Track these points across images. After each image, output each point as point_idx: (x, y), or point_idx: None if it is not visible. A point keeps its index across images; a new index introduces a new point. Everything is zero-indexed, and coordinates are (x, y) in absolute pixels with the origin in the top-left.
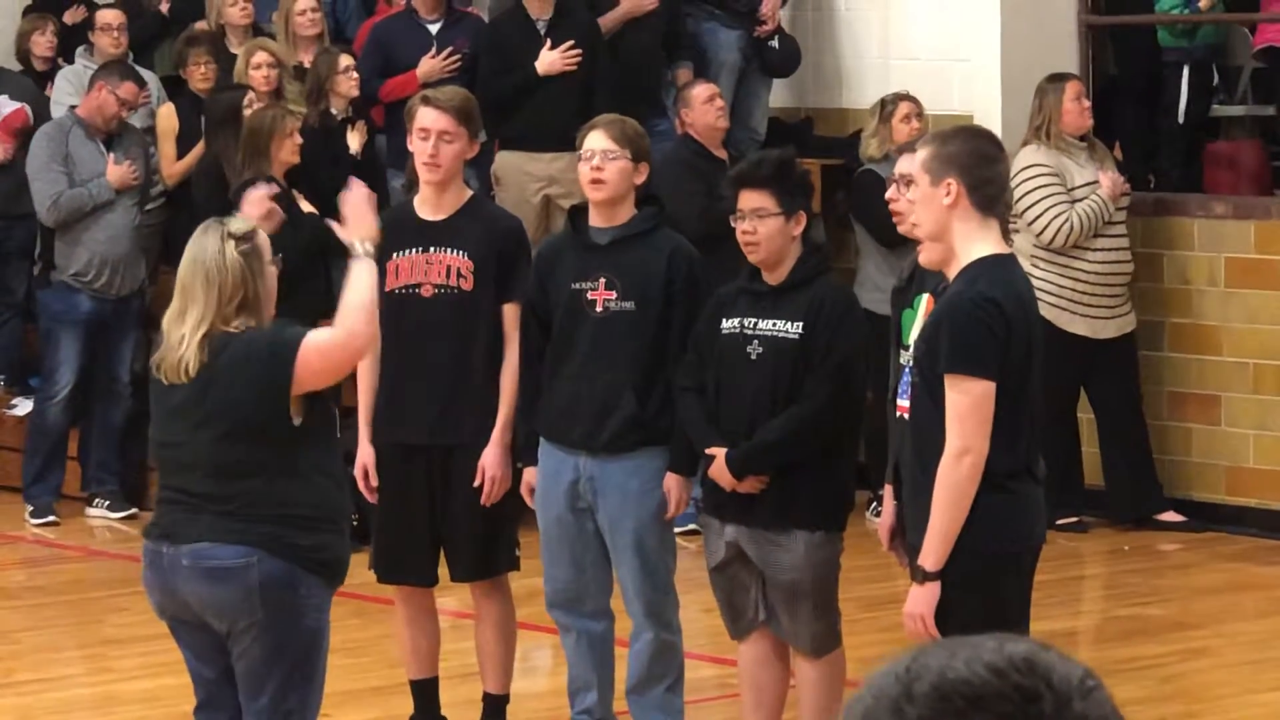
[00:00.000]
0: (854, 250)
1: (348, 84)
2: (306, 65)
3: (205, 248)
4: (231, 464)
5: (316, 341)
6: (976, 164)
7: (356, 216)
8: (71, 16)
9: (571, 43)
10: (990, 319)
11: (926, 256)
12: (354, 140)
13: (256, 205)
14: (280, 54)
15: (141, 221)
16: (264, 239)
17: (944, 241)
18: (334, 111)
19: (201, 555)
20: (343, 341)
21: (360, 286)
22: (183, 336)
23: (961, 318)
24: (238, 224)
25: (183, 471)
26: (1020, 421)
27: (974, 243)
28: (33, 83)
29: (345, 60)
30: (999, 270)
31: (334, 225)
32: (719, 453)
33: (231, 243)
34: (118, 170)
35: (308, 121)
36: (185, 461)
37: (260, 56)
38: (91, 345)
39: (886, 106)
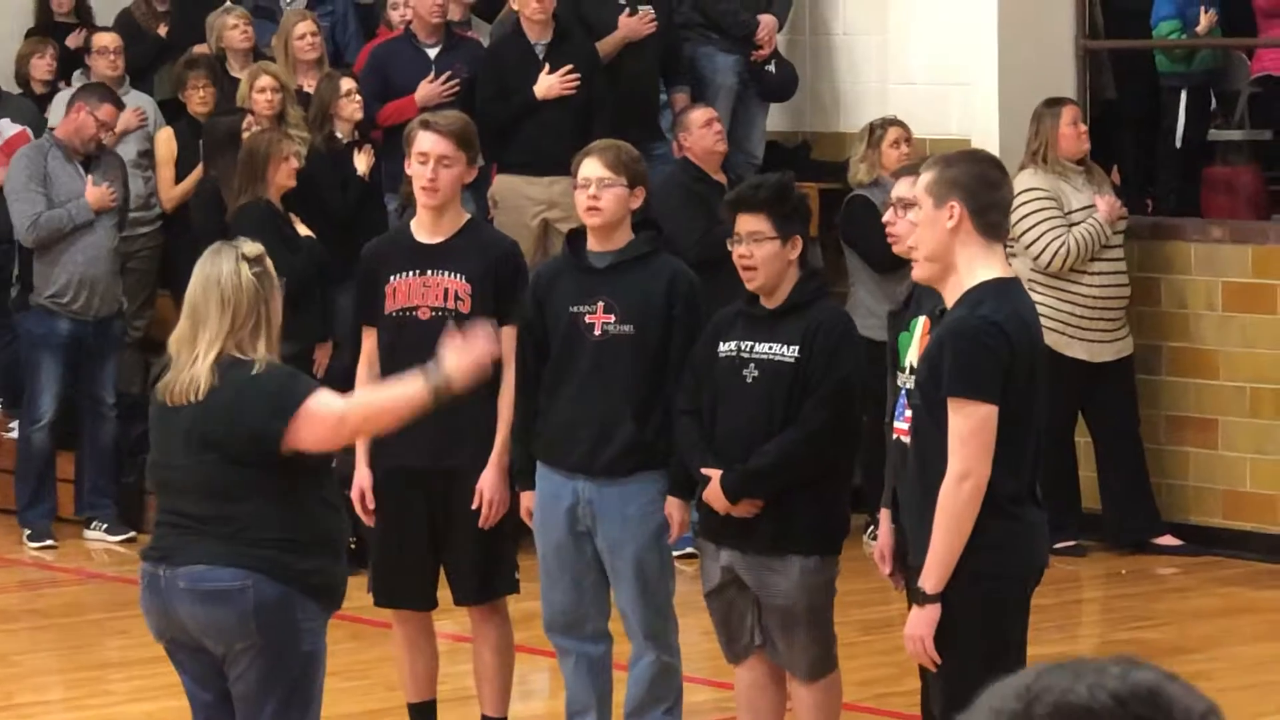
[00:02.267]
0: (847, 275)
1: (351, 108)
2: (306, 89)
3: (220, 269)
4: (229, 487)
5: (317, 409)
6: (980, 188)
7: (464, 361)
8: (75, 40)
9: (570, 67)
10: (993, 343)
11: (920, 272)
12: (361, 163)
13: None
14: (284, 78)
15: (123, 247)
16: (271, 264)
17: (942, 263)
18: (339, 135)
19: (198, 578)
20: (334, 425)
21: (404, 396)
22: (195, 357)
23: (964, 341)
24: (250, 246)
25: (180, 494)
26: (1023, 446)
27: (978, 266)
28: (34, 105)
29: (347, 84)
30: (1003, 294)
31: (448, 352)
32: (714, 476)
33: (246, 264)
34: (96, 191)
35: (314, 146)
36: (183, 484)
37: (264, 80)
38: (73, 368)
39: (875, 131)
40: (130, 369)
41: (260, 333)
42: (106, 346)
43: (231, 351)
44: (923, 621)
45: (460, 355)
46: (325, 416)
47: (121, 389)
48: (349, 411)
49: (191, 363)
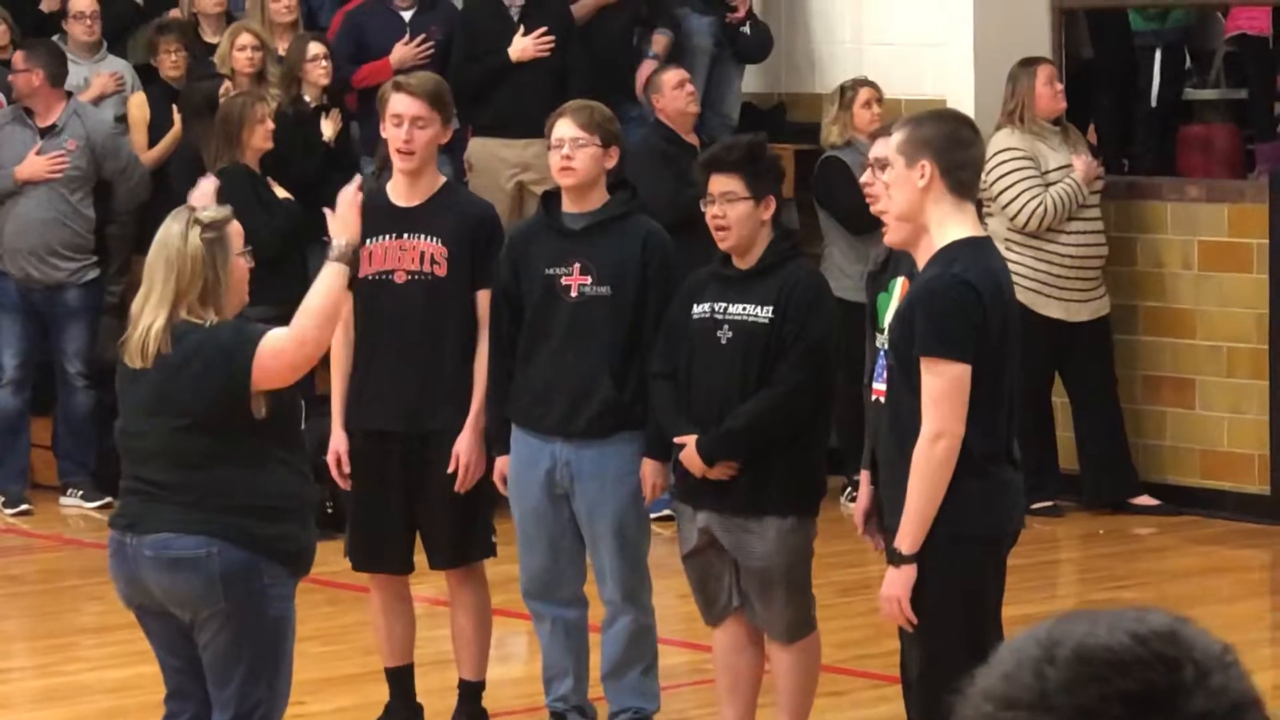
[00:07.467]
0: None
1: (317, 72)
2: (283, 52)
3: (171, 233)
4: (192, 454)
5: (271, 343)
6: (951, 147)
7: (345, 216)
8: (48, 4)
9: (545, 29)
10: (965, 301)
11: (892, 236)
12: (327, 127)
13: (203, 199)
14: (264, 37)
15: (64, 212)
16: (235, 229)
17: (914, 222)
18: (307, 99)
19: (163, 545)
20: (294, 347)
21: (323, 290)
22: (148, 320)
23: (937, 300)
24: (208, 212)
25: (145, 461)
26: (998, 405)
27: (949, 225)
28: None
29: (315, 48)
30: (975, 253)
31: (327, 212)
32: (689, 439)
33: (197, 229)
34: (36, 161)
35: (280, 109)
36: (147, 451)
37: (245, 38)
38: (35, 331)
39: (846, 93)
40: (107, 334)
41: (209, 299)
42: (61, 316)
43: (185, 316)
44: (899, 582)
45: (337, 219)
46: (282, 346)
47: (99, 353)
48: (295, 328)
49: (142, 325)
